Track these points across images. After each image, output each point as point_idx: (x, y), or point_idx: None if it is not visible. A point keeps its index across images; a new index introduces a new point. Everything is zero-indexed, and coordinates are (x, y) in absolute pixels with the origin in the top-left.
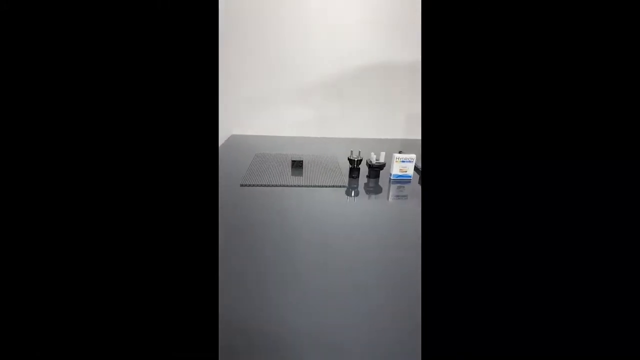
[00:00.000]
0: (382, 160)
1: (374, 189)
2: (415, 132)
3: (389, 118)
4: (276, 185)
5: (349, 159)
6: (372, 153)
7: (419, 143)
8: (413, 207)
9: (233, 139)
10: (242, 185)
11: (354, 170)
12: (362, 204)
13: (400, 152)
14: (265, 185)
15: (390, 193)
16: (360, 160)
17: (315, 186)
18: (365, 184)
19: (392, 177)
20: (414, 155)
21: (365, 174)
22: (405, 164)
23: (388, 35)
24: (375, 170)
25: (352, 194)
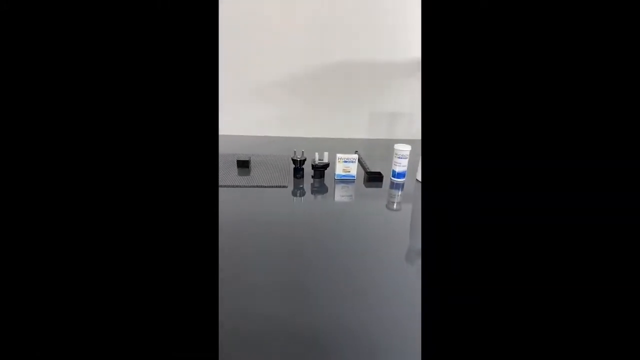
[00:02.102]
0: (325, 160)
1: (317, 189)
2: (377, 132)
3: (352, 117)
4: None
5: (292, 159)
6: (316, 153)
7: (383, 142)
8: (357, 206)
9: None
10: None
11: (298, 170)
12: (301, 204)
13: (355, 152)
14: None
15: (332, 193)
16: (304, 160)
17: (254, 186)
18: (311, 184)
19: (335, 177)
20: (355, 156)
21: (311, 174)
22: (347, 164)
23: (351, 34)
24: (320, 170)
25: (297, 194)
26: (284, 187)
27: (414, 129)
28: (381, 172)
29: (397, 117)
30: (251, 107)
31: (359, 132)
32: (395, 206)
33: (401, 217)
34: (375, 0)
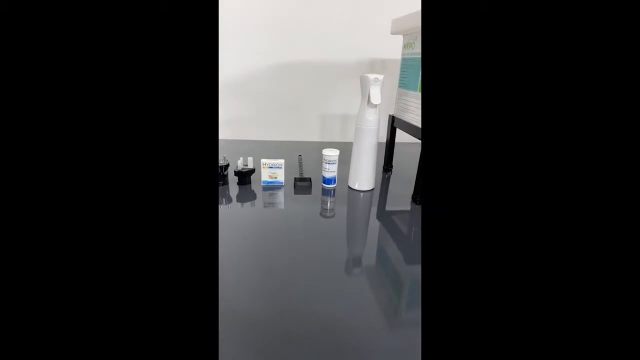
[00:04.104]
0: (250, 165)
1: (237, 196)
2: (329, 135)
3: (303, 119)
4: None
5: None
6: (240, 158)
7: (334, 145)
8: (277, 214)
9: None
10: None
11: (220, 177)
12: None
13: (299, 155)
14: None
15: (253, 200)
16: (227, 165)
17: None
18: (237, 191)
19: (262, 184)
20: (281, 161)
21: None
22: (273, 170)
23: (300, 34)
24: (244, 176)
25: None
26: None
27: None
28: (311, 178)
29: (349, 119)
30: None
31: (311, 134)
32: (323, 214)
33: (325, 227)
34: (323, 1)
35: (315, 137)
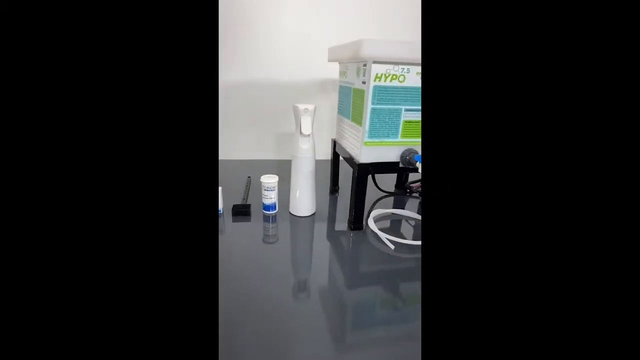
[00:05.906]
0: None
1: None
2: (285, 153)
3: (259, 137)
4: None
5: None
6: None
7: (288, 164)
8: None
9: None
10: None
11: None
12: None
13: (248, 177)
14: None
15: None
16: None
17: None
18: None
19: None
20: (219, 189)
21: None
22: None
23: (249, 51)
24: None
25: None
26: None
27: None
28: (251, 204)
29: None
30: None
31: (267, 152)
32: (265, 240)
33: (267, 252)
34: (279, 21)
35: (270, 155)
